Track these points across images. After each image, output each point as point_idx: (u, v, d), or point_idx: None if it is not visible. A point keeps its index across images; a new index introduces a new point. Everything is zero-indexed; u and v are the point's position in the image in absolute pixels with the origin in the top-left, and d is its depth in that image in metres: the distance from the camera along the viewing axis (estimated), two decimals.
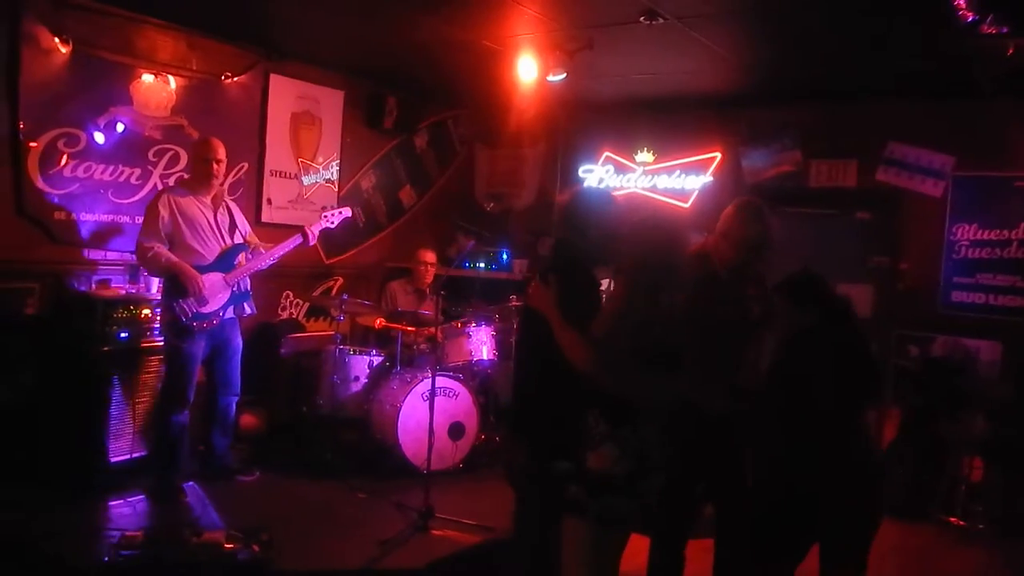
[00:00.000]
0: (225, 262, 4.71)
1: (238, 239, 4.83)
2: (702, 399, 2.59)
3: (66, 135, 4.87)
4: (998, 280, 5.65)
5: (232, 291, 4.73)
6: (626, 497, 2.49)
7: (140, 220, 5.16)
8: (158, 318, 4.75)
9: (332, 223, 5.20)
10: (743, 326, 3.38)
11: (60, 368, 4.64)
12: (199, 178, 4.70)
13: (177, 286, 4.50)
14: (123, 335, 4.71)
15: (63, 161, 4.87)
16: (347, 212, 5.35)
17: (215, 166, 4.66)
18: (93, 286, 4.99)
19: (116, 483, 4.57)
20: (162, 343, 4.73)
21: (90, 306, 4.68)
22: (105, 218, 5.12)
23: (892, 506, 5.35)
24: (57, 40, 4.73)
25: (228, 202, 4.90)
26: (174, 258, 4.49)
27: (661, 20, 4.51)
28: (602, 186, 7.10)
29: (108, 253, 5.14)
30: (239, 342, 4.89)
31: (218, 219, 4.73)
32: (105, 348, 4.63)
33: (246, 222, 5.02)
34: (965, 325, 5.70)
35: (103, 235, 5.12)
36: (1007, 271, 5.60)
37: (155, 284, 5.01)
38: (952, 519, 5.20)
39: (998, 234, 5.64)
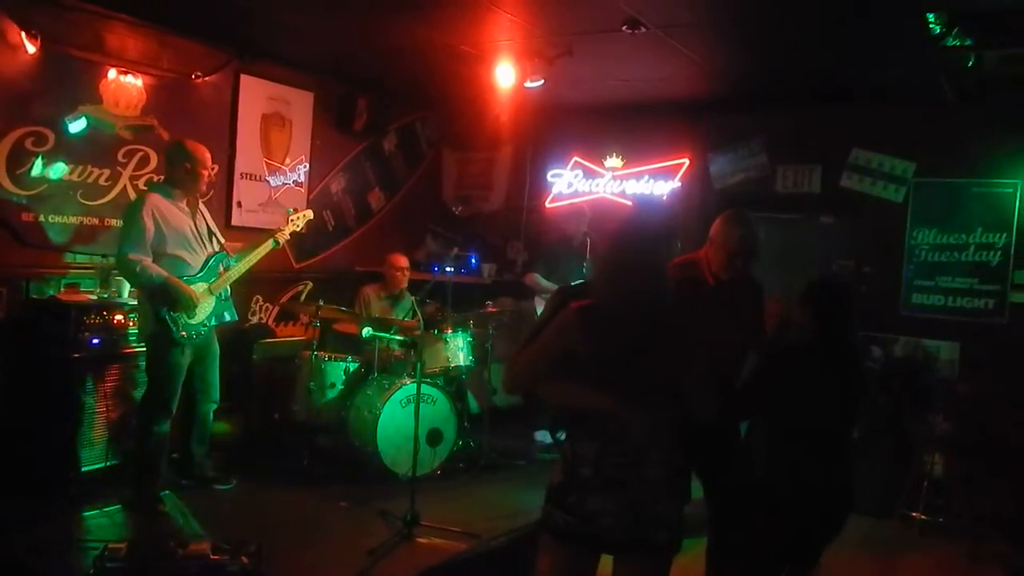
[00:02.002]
0: (209, 271, 4.61)
1: (215, 246, 4.73)
2: (594, 404, 2.41)
3: (34, 134, 4.71)
4: (956, 283, 5.86)
5: (216, 300, 4.65)
6: (557, 509, 2.43)
7: (110, 222, 5.05)
8: (139, 325, 4.63)
9: (301, 228, 5.15)
10: (731, 329, 3.44)
11: (29, 376, 4.49)
12: (182, 184, 4.53)
13: (168, 301, 4.37)
14: (95, 341, 4.58)
15: (30, 161, 4.71)
16: (310, 214, 5.29)
17: (189, 169, 4.52)
18: (63, 290, 4.83)
19: (89, 493, 4.45)
20: (136, 349, 4.63)
21: (61, 311, 4.53)
22: (74, 220, 4.96)
23: (860, 502, 5.52)
24: (25, 36, 4.57)
25: (201, 206, 4.74)
26: (164, 273, 4.33)
27: (643, 29, 4.57)
28: (570, 190, 7.16)
29: (77, 256, 4.98)
30: (218, 348, 4.80)
31: (197, 225, 4.62)
32: (76, 355, 4.49)
33: (216, 226, 4.89)
34: (925, 326, 5.89)
35: (72, 238, 4.96)
36: (965, 274, 5.81)
37: (127, 290, 4.88)
38: (915, 514, 5.37)
39: (956, 238, 5.86)
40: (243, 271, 4.80)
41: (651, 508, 2.38)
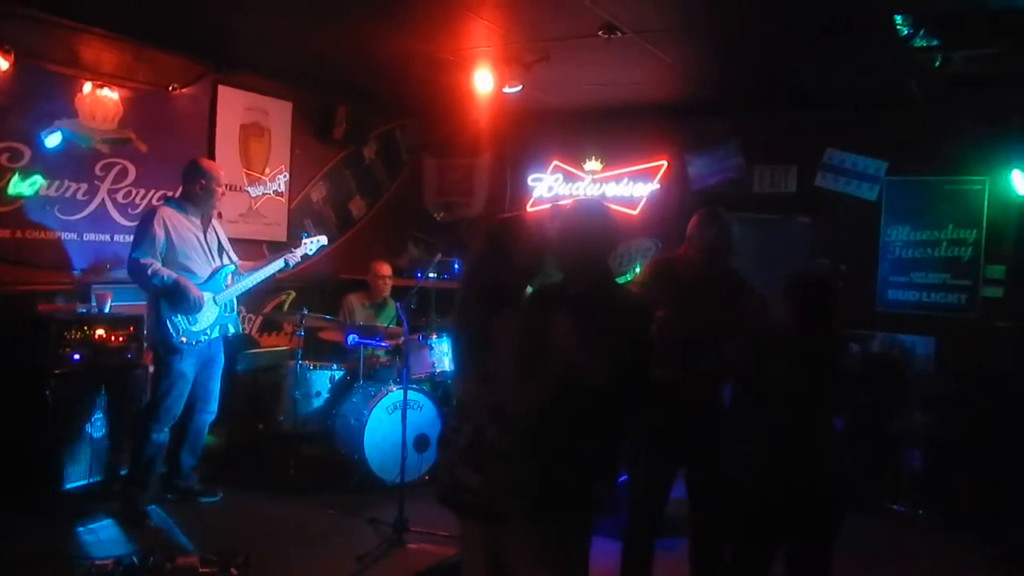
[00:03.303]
0: (215, 282, 4.72)
1: (225, 260, 4.85)
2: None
3: (9, 150, 4.69)
4: (930, 278, 5.96)
5: (220, 311, 4.73)
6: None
7: (88, 237, 5.04)
8: (146, 333, 4.71)
9: (312, 253, 5.25)
10: (712, 305, 3.50)
11: (10, 392, 4.45)
12: (196, 200, 4.70)
13: (173, 302, 4.47)
14: (76, 357, 4.55)
15: (6, 177, 4.68)
16: (324, 240, 5.38)
17: (203, 188, 4.67)
18: (43, 306, 4.80)
19: (74, 509, 4.43)
20: (126, 363, 4.71)
21: (41, 327, 4.51)
22: (52, 236, 4.94)
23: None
24: None
25: (215, 223, 4.90)
26: (174, 274, 4.47)
27: (619, 34, 4.62)
28: (551, 194, 7.21)
29: (56, 272, 4.95)
30: (222, 359, 4.91)
31: (207, 239, 4.74)
32: (57, 370, 4.47)
33: (228, 242, 5.00)
34: (901, 322, 5.99)
35: (50, 254, 4.93)
36: (938, 269, 5.92)
37: (107, 304, 4.86)
38: (897, 507, 5.45)
39: (929, 235, 5.96)
40: (250, 287, 4.93)
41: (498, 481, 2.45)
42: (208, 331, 4.66)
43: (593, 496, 2.57)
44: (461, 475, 2.49)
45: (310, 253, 5.23)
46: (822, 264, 6.18)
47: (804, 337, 3.11)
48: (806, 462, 3.06)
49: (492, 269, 2.55)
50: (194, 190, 4.68)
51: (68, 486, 4.50)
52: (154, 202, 5.23)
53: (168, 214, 4.58)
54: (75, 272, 5.01)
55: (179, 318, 4.50)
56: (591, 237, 2.78)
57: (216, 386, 4.87)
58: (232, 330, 4.93)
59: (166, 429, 4.57)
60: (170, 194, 5.19)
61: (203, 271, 4.66)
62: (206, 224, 4.78)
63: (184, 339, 4.52)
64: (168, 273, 4.45)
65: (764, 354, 3.18)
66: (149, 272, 4.40)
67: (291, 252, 5.08)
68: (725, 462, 3.45)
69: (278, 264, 5.00)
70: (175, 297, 4.47)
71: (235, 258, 4.96)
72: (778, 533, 3.14)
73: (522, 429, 2.43)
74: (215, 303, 4.69)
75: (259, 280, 4.96)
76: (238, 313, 6.13)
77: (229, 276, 4.82)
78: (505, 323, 2.47)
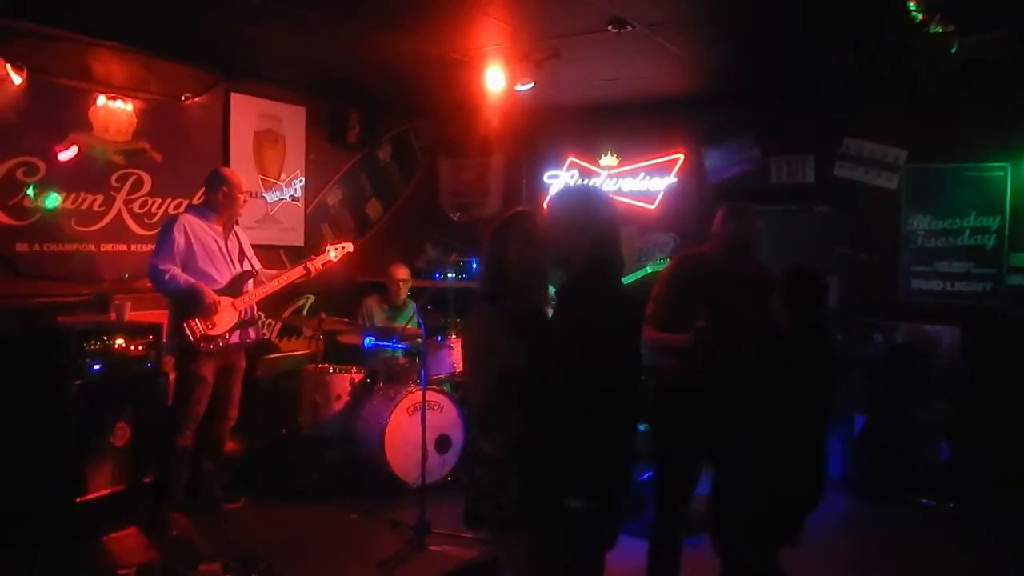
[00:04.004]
0: (235, 288, 4.75)
1: (247, 266, 4.88)
2: None
3: (25, 164, 4.74)
4: (954, 267, 5.85)
5: (239, 316, 4.75)
6: None
7: (105, 247, 5.09)
8: (167, 339, 4.75)
9: (335, 259, 5.24)
10: (738, 303, 3.47)
11: (32, 403, 4.49)
12: (218, 207, 4.76)
13: (189, 306, 4.52)
14: (96, 367, 4.58)
15: (23, 191, 4.73)
16: (350, 247, 5.37)
17: (242, 196, 4.80)
18: (62, 318, 4.84)
19: (96, 519, 4.44)
20: (146, 372, 4.71)
21: (60, 339, 4.54)
22: (69, 247, 4.98)
23: (865, 489, 5.55)
24: (10, 68, 4.58)
25: (237, 230, 4.94)
26: (191, 279, 4.52)
27: (629, 28, 4.57)
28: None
29: (75, 284, 5.00)
30: (243, 366, 4.95)
31: (228, 245, 4.79)
32: (77, 381, 4.49)
33: (252, 250, 5.04)
34: (925, 311, 5.88)
35: (69, 265, 4.98)
36: (961, 258, 5.80)
37: (126, 313, 4.90)
38: (922, 499, 5.38)
39: (951, 223, 5.85)
40: (269, 293, 4.93)
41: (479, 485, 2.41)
42: (227, 335, 4.68)
43: (568, 511, 2.29)
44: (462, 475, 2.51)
45: (334, 260, 5.23)
46: (840, 256, 6.10)
47: (795, 335, 3.08)
48: (801, 469, 3.06)
49: (486, 267, 2.53)
50: (216, 198, 4.75)
51: (91, 497, 4.50)
52: (172, 210, 5.28)
53: (189, 221, 4.66)
54: (93, 283, 5.04)
55: (197, 323, 4.54)
56: (567, 225, 2.49)
57: (236, 392, 4.90)
58: (253, 336, 4.96)
59: (189, 434, 4.62)
60: (193, 202, 5.25)
61: (223, 277, 4.71)
62: (228, 231, 4.83)
63: (203, 344, 4.55)
64: (185, 278, 4.50)
65: (762, 355, 3.16)
66: (166, 277, 4.47)
67: (312, 260, 5.10)
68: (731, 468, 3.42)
69: (298, 271, 5.01)
70: (191, 302, 4.51)
71: (257, 264, 5.00)
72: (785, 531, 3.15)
73: (504, 434, 2.35)
74: (234, 308, 4.72)
75: (279, 286, 4.96)
76: (259, 318, 6.24)
77: (250, 282, 4.85)
78: (466, 321, 2.46)
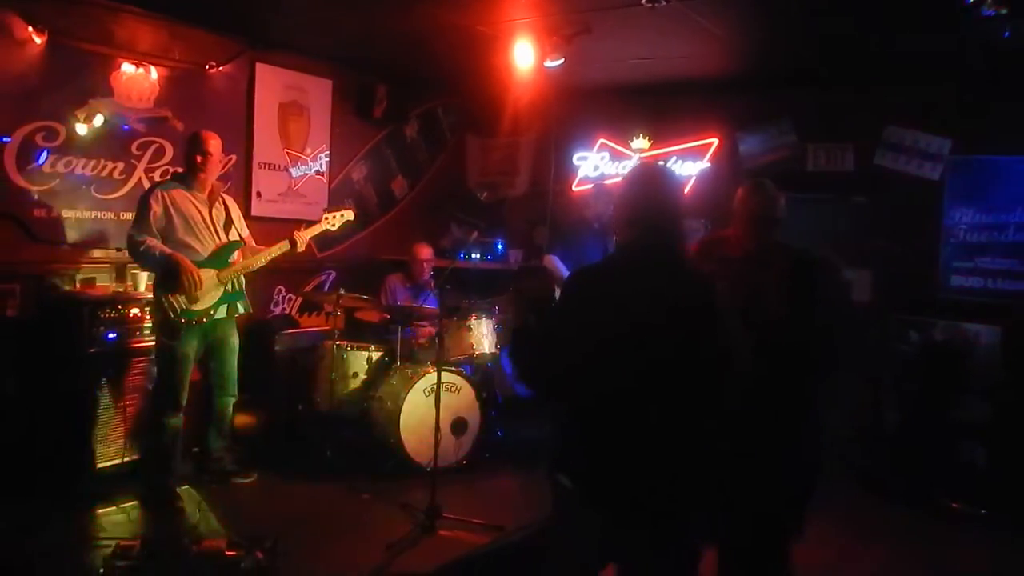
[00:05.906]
0: (219, 259, 4.54)
1: (234, 236, 4.66)
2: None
3: (44, 129, 4.69)
4: (996, 264, 5.62)
5: (224, 289, 4.56)
6: None
7: (125, 216, 5.04)
8: (149, 317, 4.61)
9: (335, 228, 5.01)
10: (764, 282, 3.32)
11: (45, 373, 4.48)
12: (194, 172, 4.52)
13: (169, 280, 4.32)
14: (111, 336, 4.55)
15: (42, 156, 4.68)
16: (350, 215, 5.13)
17: (200, 159, 4.49)
18: (77, 286, 4.81)
19: (106, 489, 4.43)
20: (153, 343, 4.57)
21: (75, 307, 4.51)
22: (88, 215, 4.94)
23: (896, 492, 5.36)
24: (31, 30, 4.53)
25: (225, 198, 4.72)
26: (167, 250, 4.32)
27: (663, 2, 4.39)
28: (597, 173, 7.01)
29: (92, 251, 4.96)
30: (236, 341, 4.74)
31: (212, 215, 4.56)
32: (92, 350, 4.47)
33: (243, 219, 4.84)
34: (965, 309, 5.66)
35: (86, 232, 4.94)
36: (1005, 255, 5.57)
37: (143, 282, 4.85)
38: (955, 504, 5.18)
39: (996, 217, 5.61)
40: (256, 266, 4.69)
41: None
42: (212, 310, 4.49)
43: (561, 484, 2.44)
44: None
45: (332, 228, 4.99)
46: (877, 248, 5.88)
47: (784, 320, 2.92)
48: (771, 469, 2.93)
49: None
50: (193, 161, 4.50)
51: (101, 466, 4.50)
52: (156, 179, 5.10)
53: (167, 189, 4.42)
54: (111, 251, 4.99)
55: (177, 297, 4.35)
56: (630, 195, 2.52)
57: (232, 369, 4.72)
58: (241, 309, 4.69)
59: (179, 413, 4.46)
60: (172, 170, 5.09)
61: (205, 248, 4.48)
62: (212, 199, 4.58)
63: (183, 320, 4.37)
64: (161, 249, 4.29)
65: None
66: (142, 248, 4.28)
67: (299, 230, 4.77)
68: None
69: (283, 246, 4.71)
70: (168, 274, 4.31)
71: (245, 232, 4.77)
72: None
73: None
74: (218, 281, 4.51)
75: (266, 259, 4.70)
76: (277, 293, 6.18)
77: (237, 253, 4.63)
78: None
